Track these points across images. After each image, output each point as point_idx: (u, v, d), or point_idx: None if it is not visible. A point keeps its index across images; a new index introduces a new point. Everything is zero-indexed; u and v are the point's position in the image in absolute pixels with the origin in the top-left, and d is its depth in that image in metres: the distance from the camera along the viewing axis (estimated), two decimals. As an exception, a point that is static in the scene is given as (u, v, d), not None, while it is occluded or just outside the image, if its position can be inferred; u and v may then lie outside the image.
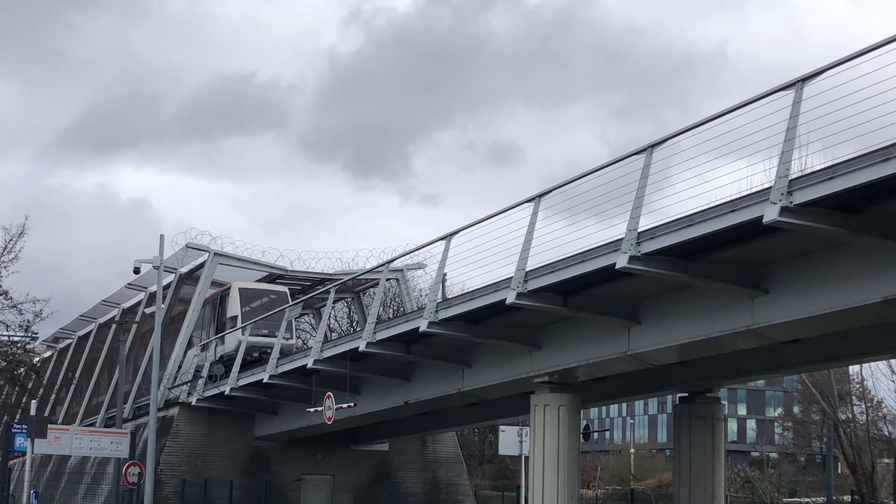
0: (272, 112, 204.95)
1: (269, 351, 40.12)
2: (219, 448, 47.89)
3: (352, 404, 35.52)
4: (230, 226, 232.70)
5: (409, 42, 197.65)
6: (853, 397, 53.02)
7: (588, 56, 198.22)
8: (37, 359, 68.29)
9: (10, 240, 51.34)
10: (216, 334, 48.02)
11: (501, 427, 47.09)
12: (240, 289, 47.91)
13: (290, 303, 45.49)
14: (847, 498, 49.25)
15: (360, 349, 32.34)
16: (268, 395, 42.41)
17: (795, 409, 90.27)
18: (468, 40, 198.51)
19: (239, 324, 45.24)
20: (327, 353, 35.13)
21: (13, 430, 42.31)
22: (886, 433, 52.13)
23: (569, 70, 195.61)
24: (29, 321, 52.25)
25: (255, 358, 42.72)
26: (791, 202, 17.98)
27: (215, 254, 51.48)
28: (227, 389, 43.48)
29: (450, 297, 32.12)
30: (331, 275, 49.56)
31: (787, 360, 28.26)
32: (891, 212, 18.13)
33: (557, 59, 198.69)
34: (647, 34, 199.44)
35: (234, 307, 47.04)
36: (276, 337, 39.79)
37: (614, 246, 22.14)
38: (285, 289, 49.46)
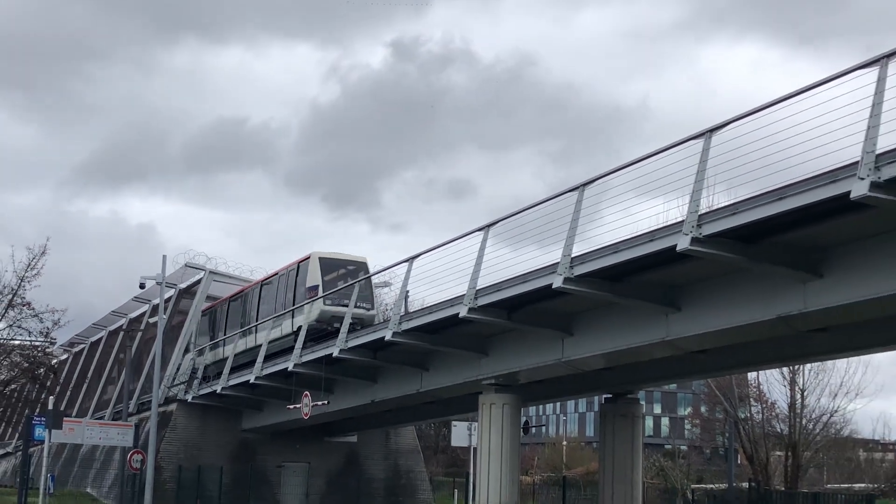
0: (261, 151, 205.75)
1: (351, 321, 33.35)
2: (211, 439, 47.61)
3: (326, 402, 35.51)
4: (224, 248, 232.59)
5: (380, 93, 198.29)
6: (751, 399, 53.31)
7: (532, 108, 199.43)
8: (54, 361, 68.12)
9: (34, 258, 51.24)
10: (292, 306, 39.62)
11: (453, 422, 46.91)
12: (320, 258, 39.44)
13: (370, 273, 38.41)
14: (745, 484, 49.43)
15: (333, 355, 32.35)
16: (253, 394, 42.14)
17: (702, 409, 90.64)
18: (431, 93, 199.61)
19: (320, 293, 37.55)
20: (305, 359, 34.99)
21: (34, 422, 41.94)
22: (779, 430, 52.37)
23: (515, 119, 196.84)
24: (48, 328, 52.06)
25: (336, 329, 34.37)
26: (700, 234, 18.14)
27: (210, 272, 51.72)
28: (218, 388, 43.27)
29: (412, 311, 31.97)
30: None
31: (695, 367, 28.42)
32: (783, 243, 18.32)
33: (506, 110, 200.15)
34: (582, 90, 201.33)
35: (314, 276, 38.73)
36: (358, 308, 34.56)
37: (551, 269, 22.23)
38: (365, 259, 40.85)
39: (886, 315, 19.91)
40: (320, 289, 37.55)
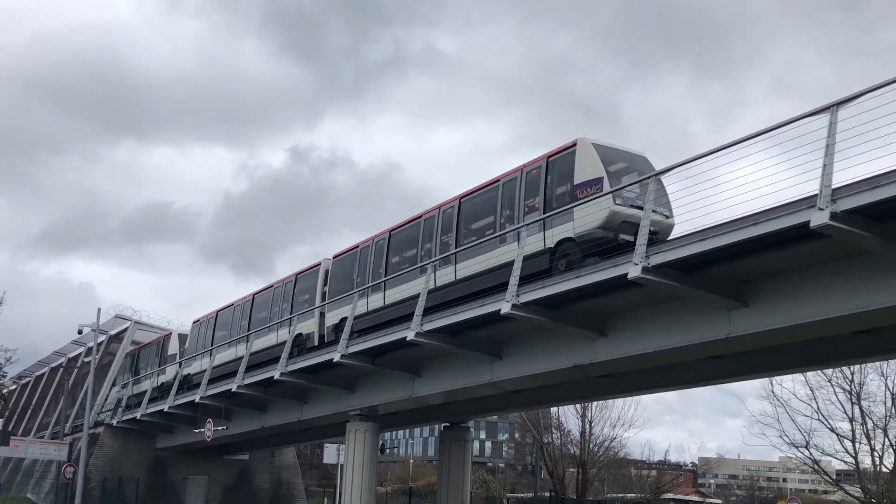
0: (183, 228, 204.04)
1: (651, 230, 16.93)
2: (131, 456, 45.65)
3: (225, 427, 34.51)
4: (150, 304, 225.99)
5: (279, 187, 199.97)
6: (553, 428, 53.79)
7: (396, 202, 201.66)
8: (5, 390, 64.51)
9: (-8, 308, 48.72)
10: (545, 213, 19.83)
11: (326, 444, 46.22)
12: (594, 144, 19.86)
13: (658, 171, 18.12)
14: (547, 494, 49.69)
15: (232, 390, 31.40)
16: (166, 420, 40.55)
17: (516, 435, 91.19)
18: (319, 188, 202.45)
19: (606, 187, 18.74)
20: (210, 392, 33.87)
21: (-15, 439, 39.99)
22: (573, 452, 52.85)
23: (384, 211, 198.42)
24: (1, 364, 49.42)
25: (623, 241, 18.12)
26: (518, 301, 18.36)
27: (135, 322, 50.49)
28: (138, 415, 41.56)
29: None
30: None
31: (512, 403, 28.53)
32: (579, 309, 18.66)
33: (377, 204, 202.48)
34: (435, 192, 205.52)
35: (590, 167, 19.45)
36: (655, 213, 17.66)
37: (406, 324, 22.15)
38: (645, 155, 20.75)
39: (652, 366, 20.45)
40: (605, 183, 19.10)
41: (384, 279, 24.83)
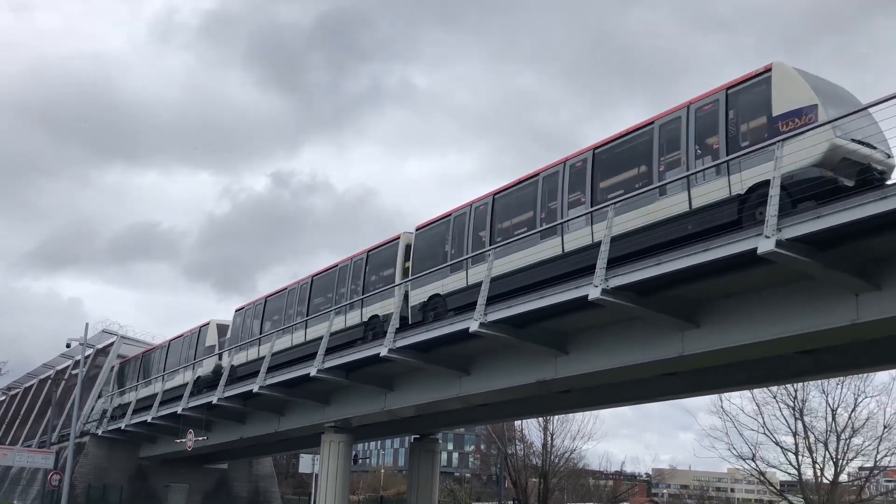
0: (168, 248, 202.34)
1: (878, 169, 14.05)
2: (115, 464, 44.83)
3: (205, 438, 34.07)
4: (135, 320, 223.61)
5: (261, 210, 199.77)
6: (516, 440, 53.61)
7: (372, 225, 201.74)
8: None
9: (-18, 322, 47.96)
10: (728, 155, 14.89)
11: (301, 454, 45.68)
12: (795, 69, 14.78)
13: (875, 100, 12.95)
14: (511, 502, 49.43)
15: (213, 402, 31.01)
16: (149, 430, 39.91)
17: (482, 446, 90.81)
18: (299, 211, 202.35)
19: (822, 117, 13.72)
20: (192, 404, 33.39)
21: (-26, 449, 39.12)
22: (535, 463, 52.65)
23: (360, 233, 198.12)
24: (-9, 376, 48.74)
25: (842, 186, 13.48)
26: (486, 320, 18.33)
27: (121, 337, 49.85)
28: (123, 425, 40.92)
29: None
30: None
31: (479, 417, 28.51)
32: (543, 328, 18.68)
33: (354, 226, 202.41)
34: (408, 215, 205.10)
35: (796, 95, 14.28)
36: (877, 149, 14.16)
37: (380, 342, 22.03)
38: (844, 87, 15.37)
39: (610, 382, 20.47)
40: (820, 111, 14.08)
41: (492, 247, 19.44)
